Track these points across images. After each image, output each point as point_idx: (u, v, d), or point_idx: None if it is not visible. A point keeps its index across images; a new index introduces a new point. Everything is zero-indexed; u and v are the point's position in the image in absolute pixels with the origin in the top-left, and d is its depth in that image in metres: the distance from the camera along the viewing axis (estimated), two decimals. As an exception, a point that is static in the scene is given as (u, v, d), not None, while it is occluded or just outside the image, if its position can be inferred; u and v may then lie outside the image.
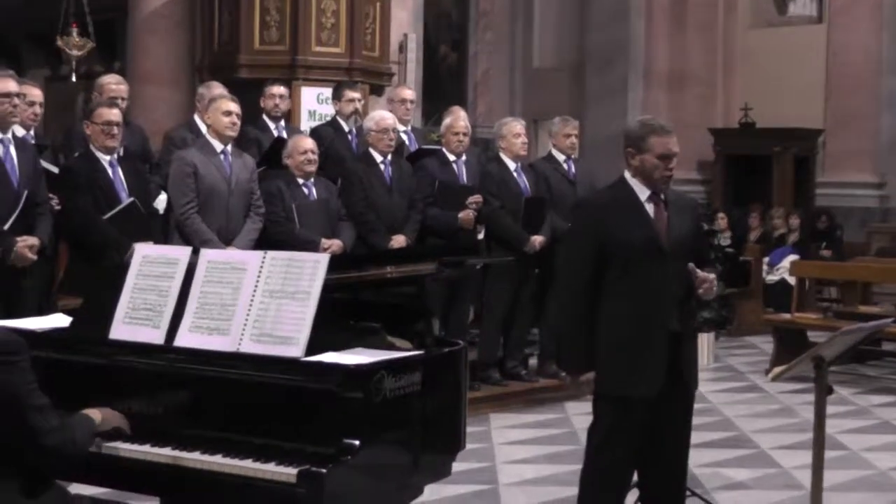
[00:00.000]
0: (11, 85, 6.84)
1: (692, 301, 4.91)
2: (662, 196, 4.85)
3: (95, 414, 4.01)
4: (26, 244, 6.67)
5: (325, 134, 8.95)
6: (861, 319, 8.92)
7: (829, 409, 5.37)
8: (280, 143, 8.36)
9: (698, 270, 4.78)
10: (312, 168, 7.97)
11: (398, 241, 8.33)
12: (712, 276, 4.81)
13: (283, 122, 9.17)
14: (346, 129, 9.11)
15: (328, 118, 9.61)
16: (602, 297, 4.78)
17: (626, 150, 4.85)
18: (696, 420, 5.04)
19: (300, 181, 7.96)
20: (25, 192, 6.75)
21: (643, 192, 4.82)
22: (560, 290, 5.10)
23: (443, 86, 18.31)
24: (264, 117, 9.08)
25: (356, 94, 9.26)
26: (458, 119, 9.04)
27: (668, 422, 4.87)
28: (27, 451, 3.65)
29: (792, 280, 12.00)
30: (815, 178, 17.39)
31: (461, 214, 8.69)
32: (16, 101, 6.82)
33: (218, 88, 8.61)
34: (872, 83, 16.89)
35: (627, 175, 4.87)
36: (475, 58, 19.50)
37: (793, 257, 13.77)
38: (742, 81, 18.43)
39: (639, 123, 4.90)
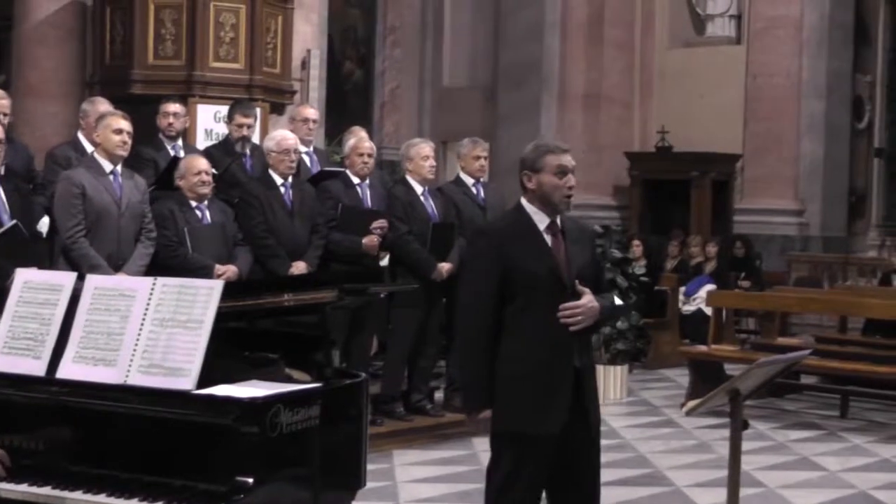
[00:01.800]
0: None
1: (591, 335, 4.93)
2: (560, 225, 4.87)
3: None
4: None
5: (217, 155, 8.91)
6: (779, 351, 9.06)
7: (746, 445, 5.45)
8: (177, 163, 8.30)
9: (583, 291, 4.78)
10: (206, 190, 7.93)
11: (299, 267, 8.30)
12: (584, 303, 4.75)
13: (179, 142, 9.11)
14: (238, 151, 9.07)
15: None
16: (503, 331, 4.77)
17: (521, 176, 4.88)
18: (608, 457, 5.08)
19: (193, 203, 7.90)
20: None
21: (542, 221, 4.83)
22: (460, 322, 5.06)
23: (348, 104, 18.30)
24: (160, 136, 9.02)
25: (247, 120, 9.15)
26: (362, 140, 9.05)
27: (573, 459, 4.86)
28: None
29: (709, 310, 12.15)
30: (733, 204, 17.62)
31: (365, 240, 8.69)
32: None
33: (103, 104, 8.54)
34: (792, 107, 17.17)
35: (524, 202, 4.88)
36: (382, 75, 19.53)
37: (710, 287, 13.93)
38: (659, 103, 18.66)
39: (532, 146, 4.94)
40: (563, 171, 4.82)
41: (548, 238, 4.82)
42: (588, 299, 4.75)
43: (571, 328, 4.71)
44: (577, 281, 4.76)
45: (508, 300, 4.75)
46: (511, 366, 4.75)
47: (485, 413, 4.78)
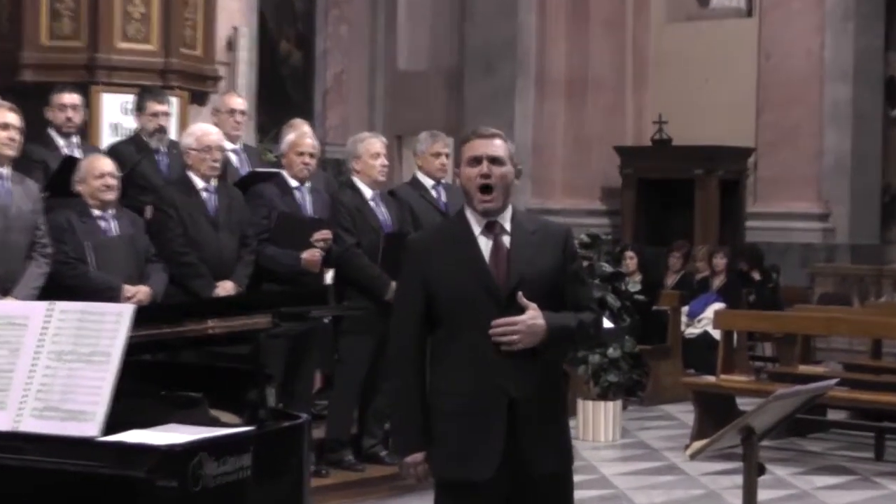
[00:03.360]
0: None
1: (540, 358, 4.82)
2: (509, 226, 4.82)
3: None
4: None
5: (127, 153, 8.88)
6: (801, 382, 9.09)
7: (763, 494, 5.45)
8: (71, 163, 8.26)
9: (527, 304, 4.69)
10: (112, 196, 7.91)
11: (225, 287, 8.29)
12: (522, 319, 4.67)
13: (76, 139, 9.06)
14: (152, 147, 9.05)
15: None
16: (433, 359, 4.78)
17: (454, 174, 4.92)
18: (598, 509, 5.08)
19: (96, 212, 7.88)
20: None
21: (478, 224, 4.81)
22: (389, 351, 5.02)
23: (284, 93, 18.27)
24: (52, 132, 8.97)
25: (162, 108, 9.16)
26: (303, 135, 9.04)
27: None
28: None
29: (717, 334, 12.18)
30: (744, 207, 17.69)
31: (305, 254, 8.67)
32: None
33: (-16, 95, 8.51)
34: (814, 92, 17.28)
35: (465, 204, 4.88)
36: (325, 57, 19.51)
37: (717, 306, 13.97)
38: (656, 89, 18.73)
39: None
40: (476, 160, 4.77)
41: (484, 243, 4.79)
42: (530, 315, 4.69)
43: (503, 348, 4.68)
44: (519, 293, 4.70)
45: (435, 324, 4.77)
46: (438, 401, 4.76)
47: (414, 457, 4.76)
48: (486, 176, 4.75)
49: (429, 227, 5.17)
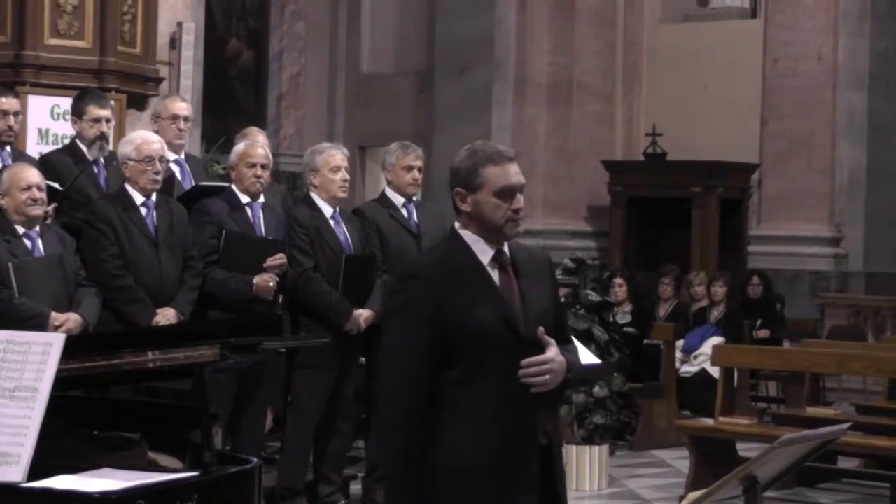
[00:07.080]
0: None
1: (556, 398, 4.91)
2: (509, 255, 4.85)
3: None
4: None
5: (61, 164, 8.84)
6: (809, 425, 9.11)
7: (765, 551, 5.48)
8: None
9: (548, 341, 4.76)
10: (39, 211, 7.89)
11: (167, 314, 8.28)
12: (551, 357, 4.75)
13: (8, 149, 8.98)
14: (91, 157, 9.02)
15: (67, 140, 9.49)
16: (441, 407, 4.73)
17: (454, 193, 4.83)
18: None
19: (20, 229, 7.87)
20: None
21: (484, 252, 4.81)
22: (385, 403, 4.89)
23: (232, 97, 18.30)
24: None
25: (104, 112, 9.10)
26: (254, 145, 9.04)
27: None
28: None
29: (715, 371, 12.20)
30: (747, 230, 17.71)
31: (257, 279, 8.68)
32: None
33: None
34: (826, 100, 17.27)
35: (459, 228, 4.86)
36: (279, 58, 19.55)
37: (716, 340, 13.99)
38: (649, 96, 18.75)
39: (467, 152, 4.88)
40: (508, 191, 4.79)
41: (494, 275, 4.81)
42: (555, 352, 4.75)
43: (534, 390, 4.70)
44: (540, 329, 4.74)
45: (447, 366, 4.73)
46: (458, 455, 4.70)
47: None
48: (519, 210, 4.80)
49: (429, 254, 5.04)
